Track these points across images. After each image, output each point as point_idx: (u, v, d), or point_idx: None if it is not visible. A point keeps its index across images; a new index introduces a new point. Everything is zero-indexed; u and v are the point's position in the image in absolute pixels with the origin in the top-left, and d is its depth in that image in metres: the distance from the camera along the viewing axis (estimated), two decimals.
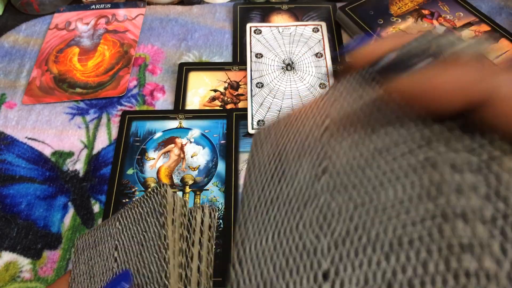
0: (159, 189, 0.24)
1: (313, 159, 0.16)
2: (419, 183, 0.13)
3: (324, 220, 0.14)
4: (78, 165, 0.47)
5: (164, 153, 0.48)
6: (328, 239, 0.14)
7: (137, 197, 0.25)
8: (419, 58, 0.15)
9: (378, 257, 0.12)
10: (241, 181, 0.45)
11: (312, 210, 0.15)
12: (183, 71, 0.54)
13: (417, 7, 0.57)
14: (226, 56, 0.57)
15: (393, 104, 0.15)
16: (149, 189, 0.25)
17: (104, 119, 0.51)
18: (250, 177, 0.18)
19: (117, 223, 0.25)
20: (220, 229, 0.42)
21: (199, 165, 0.47)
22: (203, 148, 0.48)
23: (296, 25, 0.59)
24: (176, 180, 0.46)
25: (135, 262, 0.22)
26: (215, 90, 0.53)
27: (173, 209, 0.24)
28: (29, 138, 0.49)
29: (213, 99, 0.52)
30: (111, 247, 0.24)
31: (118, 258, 0.23)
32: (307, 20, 0.60)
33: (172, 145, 0.48)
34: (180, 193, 0.45)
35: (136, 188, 0.45)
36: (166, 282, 0.21)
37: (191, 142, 0.48)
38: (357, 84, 0.17)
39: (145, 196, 0.25)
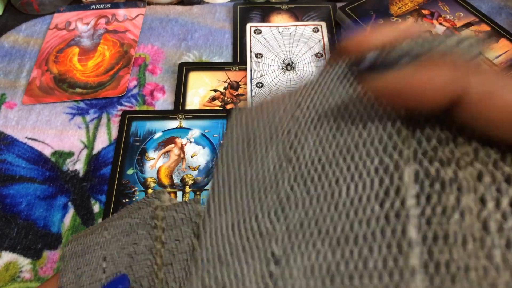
0: (151, 198, 0.23)
1: (279, 150, 0.17)
2: (370, 184, 0.13)
3: (282, 211, 0.15)
4: (78, 165, 0.47)
5: (164, 153, 0.48)
6: (283, 229, 0.14)
7: (127, 206, 0.24)
8: (400, 59, 0.15)
9: (325, 251, 0.13)
10: None
11: (272, 199, 0.15)
12: (183, 71, 0.54)
13: (417, 7, 0.57)
14: (226, 56, 0.57)
15: (367, 104, 0.15)
16: (142, 198, 0.24)
17: (104, 119, 0.51)
18: (222, 155, 0.19)
19: (105, 232, 0.24)
20: None
21: (199, 165, 0.47)
22: (203, 148, 0.48)
23: (296, 25, 0.59)
24: (176, 180, 0.46)
25: (123, 273, 0.22)
26: (215, 90, 0.53)
27: (164, 220, 0.23)
28: (29, 138, 0.49)
29: (213, 99, 0.52)
30: (100, 257, 0.23)
31: (106, 270, 0.23)
32: (307, 20, 0.60)
33: (172, 145, 0.48)
34: (180, 193, 0.45)
35: (136, 188, 0.45)
36: None
37: (191, 142, 0.48)
38: (337, 79, 0.17)
39: (136, 205, 0.24)
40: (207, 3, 0.63)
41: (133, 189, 0.45)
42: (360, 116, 0.15)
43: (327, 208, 0.14)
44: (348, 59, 0.17)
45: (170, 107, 0.52)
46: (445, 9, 0.57)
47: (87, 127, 0.50)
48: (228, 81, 0.54)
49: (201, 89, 0.53)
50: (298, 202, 0.15)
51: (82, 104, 0.52)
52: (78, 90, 0.53)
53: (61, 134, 0.49)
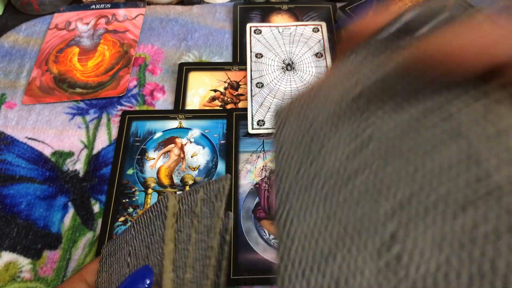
0: (170, 192, 0.24)
1: (353, 127, 0.15)
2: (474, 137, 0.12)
3: (381, 185, 0.14)
4: (78, 165, 0.47)
5: (164, 153, 0.48)
6: (390, 202, 0.13)
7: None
8: (436, 18, 0.14)
9: (453, 211, 0.12)
10: (241, 181, 0.45)
11: (365, 178, 0.14)
12: (183, 71, 0.54)
13: None
14: (226, 56, 0.57)
15: (417, 70, 0.14)
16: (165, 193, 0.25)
17: (104, 119, 0.51)
18: (281, 158, 0.17)
19: (132, 229, 0.25)
20: None
21: (199, 165, 0.46)
22: (203, 148, 0.48)
23: (296, 25, 0.59)
24: (176, 180, 0.46)
25: (142, 265, 0.22)
26: (215, 90, 0.53)
27: (179, 211, 0.23)
28: (29, 138, 0.49)
29: (213, 99, 0.52)
30: (126, 253, 0.24)
31: (130, 263, 0.23)
32: (307, 20, 0.60)
33: (172, 145, 0.48)
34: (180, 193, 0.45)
35: (136, 188, 0.45)
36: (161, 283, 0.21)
37: (191, 142, 0.48)
38: (370, 53, 0.16)
39: (156, 201, 0.25)
40: (207, 3, 0.63)
41: (133, 189, 0.45)
42: (421, 82, 0.14)
43: (438, 169, 0.13)
44: (371, 35, 0.16)
45: (170, 107, 0.52)
46: None
47: (87, 127, 0.50)
48: (228, 81, 0.54)
49: (201, 89, 0.53)
50: (399, 171, 0.13)
51: (82, 104, 0.52)
52: (78, 90, 0.53)
53: (61, 134, 0.49)
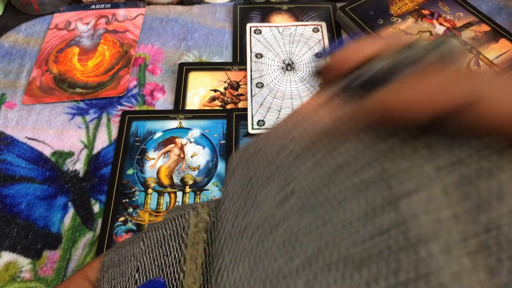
0: (186, 210, 0.23)
1: (281, 182, 0.16)
2: (373, 197, 0.13)
3: (295, 240, 0.14)
4: (78, 165, 0.47)
5: (164, 153, 0.48)
6: (301, 258, 0.14)
7: (165, 215, 0.24)
8: (398, 72, 0.15)
9: (350, 271, 0.12)
10: None
11: (284, 231, 0.15)
12: (183, 71, 0.54)
13: (417, 7, 0.57)
14: (226, 56, 0.57)
15: (361, 120, 0.15)
16: (179, 211, 0.24)
17: (104, 119, 0.51)
18: (222, 211, 0.18)
19: (141, 243, 0.24)
20: None
21: (199, 165, 0.47)
22: (203, 148, 0.48)
23: (296, 25, 0.59)
24: (176, 180, 0.46)
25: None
26: (215, 90, 0.53)
27: (198, 233, 0.22)
28: (29, 138, 0.49)
29: (213, 99, 0.52)
30: (133, 268, 0.23)
31: (138, 281, 0.23)
32: (307, 20, 0.60)
33: (172, 145, 0.48)
34: (180, 193, 0.45)
35: (136, 188, 0.45)
36: None
37: (191, 142, 0.48)
38: (329, 98, 0.17)
39: (172, 217, 0.24)
40: (207, 3, 0.63)
41: (133, 189, 0.45)
42: (354, 132, 0.15)
43: (341, 225, 0.13)
44: (344, 72, 0.17)
45: (170, 107, 0.52)
46: (445, 9, 0.57)
47: (87, 127, 0.50)
48: (228, 81, 0.54)
49: (201, 89, 0.53)
50: (310, 226, 0.14)
51: (82, 104, 0.52)
52: (78, 90, 0.53)
53: (61, 134, 0.49)
